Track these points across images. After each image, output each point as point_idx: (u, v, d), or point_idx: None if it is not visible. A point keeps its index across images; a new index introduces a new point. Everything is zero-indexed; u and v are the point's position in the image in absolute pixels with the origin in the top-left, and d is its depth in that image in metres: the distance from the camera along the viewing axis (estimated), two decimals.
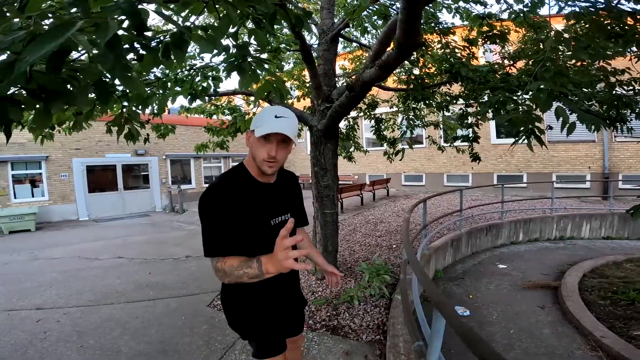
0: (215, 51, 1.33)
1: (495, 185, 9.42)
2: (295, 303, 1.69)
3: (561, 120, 1.93)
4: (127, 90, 2.16)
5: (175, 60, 1.22)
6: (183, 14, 1.33)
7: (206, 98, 4.30)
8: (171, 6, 1.34)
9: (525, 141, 2.18)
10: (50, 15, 0.89)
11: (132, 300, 4.07)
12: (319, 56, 4.32)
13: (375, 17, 3.95)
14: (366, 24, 3.68)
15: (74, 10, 0.89)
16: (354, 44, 6.99)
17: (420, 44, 2.28)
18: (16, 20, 0.92)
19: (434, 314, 1.43)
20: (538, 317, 3.88)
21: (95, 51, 0.98)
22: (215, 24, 1.27)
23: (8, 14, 0.92)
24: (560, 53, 2.49)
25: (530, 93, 2.06)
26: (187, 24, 1.27)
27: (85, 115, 2.79)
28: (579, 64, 3.28)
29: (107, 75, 1.07)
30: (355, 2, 4.74)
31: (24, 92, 1.05)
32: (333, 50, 4.48)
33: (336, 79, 4.83)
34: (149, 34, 1.15)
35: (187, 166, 14.79)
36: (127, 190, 12.77)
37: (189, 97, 3.27)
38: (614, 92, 2.97)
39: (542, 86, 1.97)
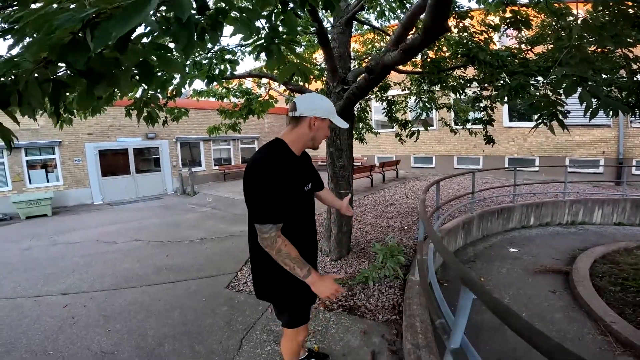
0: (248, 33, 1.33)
1: (506, 168, 9.34)
2: (315, 267, 1.91)
3: (584, 105, 1.91)
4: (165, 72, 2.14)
5: (210, 43, 1.23)
6: None
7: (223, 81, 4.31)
8: None
9: (545, 124, 2.17)
10: None
11: (153, 283, 4.19)
12: (333, 39, 4.27)
13: (393, 1, 3.87)
14: (384, 8, 3.59)
15: None
16: (365, 27, 6.87)
17: (447, 30, 2.25)
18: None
19: (462, 290, 1.46)
20: (549, 301, 3.93)
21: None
22: (249, 6, 1.27)
23: None
24: (585, 41, 2.43)
25: (553, 78, 2.03)
26: (221, 5, 1.27)
27: (105, 100, 2.82)
28: (599, 50, 3.20)
29: (148, 57, 1.09)
30: None
31: (69, 73, 1.08)
32: (348, 33, 4.42)
33: (351, 61, 4.78)
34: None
35: (197, 149, 14.89)
36: (139, 173, 12.93)
37: (206, 80, 3.28)
38: (634, 79, 2.91)
39: (565, 72, 1.93)
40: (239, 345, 2.76)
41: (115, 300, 3.73)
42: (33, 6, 1.03)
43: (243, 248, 5.32)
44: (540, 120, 2.15)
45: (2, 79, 0.99)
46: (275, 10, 1.45)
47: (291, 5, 1.44)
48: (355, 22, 4.90)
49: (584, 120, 10.56)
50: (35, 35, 0.91)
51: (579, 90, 1.98)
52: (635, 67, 3.15)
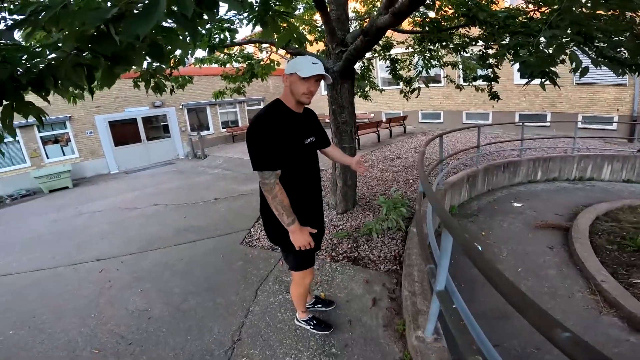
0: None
1: (516, 123, 9.20)
2: (321, 221, 2.15)
3: (575, 64, 1.96)
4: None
5: (209, 21, 1.34)
6: None
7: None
8: None
9: (542, 82, 2.23)
10: None
11: (174, 244, 4.53)
12: (330, 1, 4.19)
13: None
14: None
15: None
16: None
17: None
18: None
19: (443, 233, 1.63)
20: (546, 257, 4.02)
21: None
22: None
23: None
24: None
25: (544, 39, 2.06)
26: None
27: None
28: (609, 12, 3.09)
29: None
30: None
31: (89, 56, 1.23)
32: None
33: (349, 22, 4.70)
34: None
35: (204, 114, 15.01)
36: (150, 140, 13.19)
37: (207, 49, 3.33)
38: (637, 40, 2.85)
39: (553, 34, 1.96)
40: (255, 295, 3.07)
41: (143, 262, 4.07)
42: None
43: (254, 206, 5.58)
44: (530, 78, 2.21)
45: (40, 66, 1.15)
46: None
47: None
48: None
49: (598, 79, 10.18)
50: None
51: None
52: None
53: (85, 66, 1.17)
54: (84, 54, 1.14)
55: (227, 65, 6.00)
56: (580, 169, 7.45)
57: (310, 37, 6.95)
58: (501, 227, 4.92)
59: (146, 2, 0.90)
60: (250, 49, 6.91)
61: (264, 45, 6.21)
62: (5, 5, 1.62)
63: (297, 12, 6.65)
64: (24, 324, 3.01)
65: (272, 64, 5.14)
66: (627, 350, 2.58)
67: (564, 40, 1.94)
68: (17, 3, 1.46)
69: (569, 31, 2.08)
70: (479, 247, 4.23)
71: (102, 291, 3.48)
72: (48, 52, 1.18)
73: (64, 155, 11.27)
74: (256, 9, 1.62)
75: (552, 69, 2.12)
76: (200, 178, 8.99)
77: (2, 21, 1.26)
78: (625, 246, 4.12)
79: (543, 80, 2.24)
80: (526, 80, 2.42)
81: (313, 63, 1.68)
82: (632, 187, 6.92)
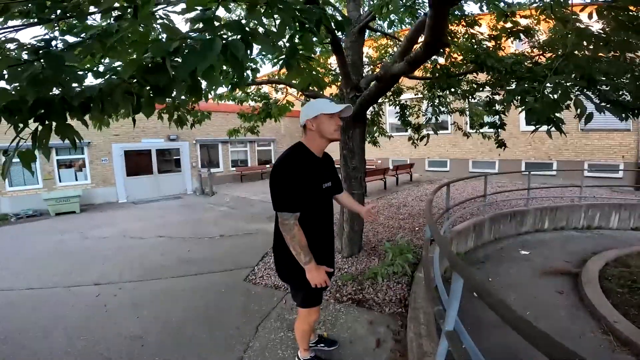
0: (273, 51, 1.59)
1: (522, 172, 9.31)
2: (333, 262, 2.17)
3: (579, 111, 2.07)
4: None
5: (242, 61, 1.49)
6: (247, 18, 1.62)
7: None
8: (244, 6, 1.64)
9: (548, 129, 2.34)
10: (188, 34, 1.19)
11: (177, 275, 4.51)
12: (347, 47, 4.49)
13: (401, 12, 4.08)
14: (394, 19, 3.80)
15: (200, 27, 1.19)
16: (378, 33, 7.06)
17: (446, 45, 2.47)
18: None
19: (453, 276, 1.65)
20: (556, 301, 3.99)
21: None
22: (274, 29, 1.52)
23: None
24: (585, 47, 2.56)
25: (549, 85, 2.19)
26: (249, 28, 1.52)
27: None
28: (610, 54, 3.29)
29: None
30: None
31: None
32: (360, 41, 4.64)
33: (363, 67, 4.99)
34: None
35: (215, 150, 15.39)
36: (161, 173, 13.49)
37: (230, 86, 3.56)
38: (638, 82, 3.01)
39: (561, 80, 2.09)
40: (255, 331, 3.01)
41: (143, 290, 4.04)
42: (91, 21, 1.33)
43: (259, 245, 5.60)
44: (538, 126, 2.31)
45: (94, 90, 1.28)
46: (294, 32, 1.69)
47: (308, 26, 1.68)
48: (367, 30, 5.10)
49: (603, 124, 10.41)
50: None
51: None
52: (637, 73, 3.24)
53: (136, 95, 1.30)
54: (133, 82, 1.27)
55: (244, 103, 6.28)
56: (587, 217, 7.43)
57: (325, 80, 7.34)
58: (509, 274, 4.85)
59: (202, 39, 1.04)
60: (265, 88, 7.28)
61: (280, 85, 6.54)
62: (58, 26, 1.80)
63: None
64: (7, 339, 2.99)
65: (287, 105, 5.39)
66: None
67: (568, 84, 2.06)
68: (77, 25, 1.64)
69: (572, 75, 2.21)
70: None
71: (97, 314, 3.46)
72: (102, 78, 1.32)
73: (77, 180, 11.55)
74: (284, 50, 1.78)
75: (558, 115, 2.23)
76: (207, 214, 9.07)
77: (53, 41, 1.40)
78: (637, 289, 4.15)
79: (549, 127, 2.34)
80: (533, 127, 2.53)
81: (331, 101, 1.83)
82: None
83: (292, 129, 18.41)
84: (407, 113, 7.22)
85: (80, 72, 1.49)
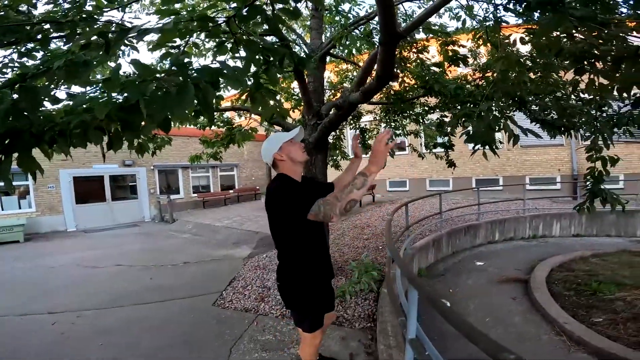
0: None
1: (473, 188, 10.03)
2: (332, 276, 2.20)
3: (508, 134, 2.40)
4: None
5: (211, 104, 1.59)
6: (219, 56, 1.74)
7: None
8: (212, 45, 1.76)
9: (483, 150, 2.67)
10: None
11: (142, 302, 4.34)
12: (308, 74, 4.73)
13: (358, 42, 4.42)
14: (352, 48, 4.13)
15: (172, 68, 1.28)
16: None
17: (396, 77, 2.77)
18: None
19: (409, 289, 1.82)
20: (510, 307, 4.30)
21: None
22: (240, 66, 1.65)
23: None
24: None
25: (483, 110, 2.52)
26: (217, 65, 1.64)
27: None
28: (538, 74, 3.77)
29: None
30: (342, 23, 5.18)
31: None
32: (321, 68, 4.92)
33: (324, 92, 5.27)
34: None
35: (175, 176, 14.92)
36: (115, 200, 12.83)
37: (194, 113, 3.59)
38: (559, 103, 3.50)
39: (491, 106, 2.43)
40: (229, 353, 2.98)
41: (105, 318, 3.87)
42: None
43: (226, 270, 5.52)
44: (475, 148, 2.64)
45: (62, 127, 1.32)
46: (260, 68, 1.83)
47: (272, 60, 1.84)
48: (329, 56, 5.42)
49: (539, 141, 11.56)
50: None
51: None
52: (559, 93, 3.76)
53: (105, 130, 1.36)
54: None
55: (207, 128, 6.23)
56: (532, 227, 8.14)
57: (287, 105, 7.54)
58: (467, 284, 5.17)
59: (177, 84, 1.14)
60: (228, 112, 7.29)
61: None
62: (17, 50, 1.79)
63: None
64: None
65: (251, 133, 5.39)
66: None
67: (502, 105, 2.37)
68: (36, 49, 1.65)
69: (502, 101, 2.54)
70: (447, 303, 4.40)
71: (53, 342, 3.30)
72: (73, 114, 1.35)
73: (20, 208, 10.77)
74: (249, 84, 1.91)
75: (494, 137, 2.55)
76: (169, 241, 8.77)
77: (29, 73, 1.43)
78: (583, 291, 4.54)
79: (484, 149, 2.68)
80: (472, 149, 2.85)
81: (283, 132, 1.98)
82: (582, 241, 7.62)
83: (256, 154, 18.37)
84: (367, 136, 7.58)
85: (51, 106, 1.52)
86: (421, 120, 6.42)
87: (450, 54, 4.24)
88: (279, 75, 7.04)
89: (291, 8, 1.86)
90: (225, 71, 1.42)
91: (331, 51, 5.11)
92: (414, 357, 1.89)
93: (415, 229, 6.80)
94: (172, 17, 1.53)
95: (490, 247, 7.38)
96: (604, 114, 3.81)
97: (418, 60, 5.17)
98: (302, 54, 6.34)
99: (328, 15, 5.07)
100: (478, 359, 1.28)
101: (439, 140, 6.60)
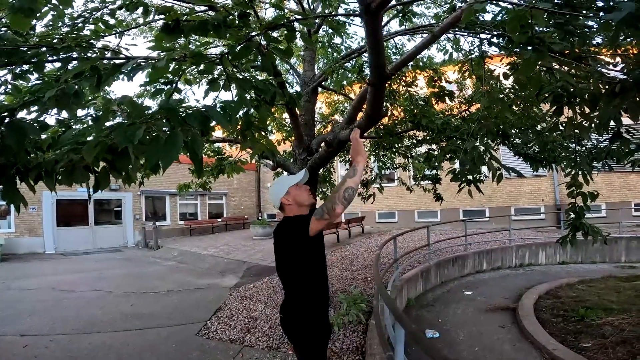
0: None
1: (460, 220, 10.18)
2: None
3: (491, 172, 2.53)
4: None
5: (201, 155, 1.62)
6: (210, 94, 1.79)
7: None
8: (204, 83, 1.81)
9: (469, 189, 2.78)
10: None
11: (120, 329, 4.19)
12: (300, 107, 4.86)
13: (350, 75, 4.59)
14: (343, 82, 4.29)
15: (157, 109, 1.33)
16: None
17: (384, 116, 2.90)
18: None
19: (395, 325, 1.84)
20: (499, 335, 4.30)
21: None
22: (232, 104, 1.71)
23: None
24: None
25: (466, 147, 2.64)
26: (209, 102, 1.71)
27: None
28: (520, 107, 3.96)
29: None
30: (335, 55, 5.39)
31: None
32: (313, 100, 5.07)
33: (315, 125, 5.40)
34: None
35: (162, 202, 14.73)
36: (98, 225, 12.54)
37: (184, 144, 3.63)
38: (540, 137, 3.68)
39: (475, 144, 2.55)
40: None
41: (81, 343, 3.72)
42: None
43: (211, 300, 5.38)
44: (461, 186, 2.74)
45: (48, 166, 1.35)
46: (250, 107, 1.90)
47: (263, 97, 1.92)
48: (320, 88, 5.59)
49: (523, 171, 11.96)
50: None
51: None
52: (539, 127, 3.95)
53: (92, 170, 1.39)
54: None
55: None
56: (519, 257, 8.26)
57: (278, 136, 7.67)
58: (456, 314, 5.15)
59: (166, 133, 1.18)
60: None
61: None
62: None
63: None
64: None
65: (241, 164, 5.38)
66: None
67: (486, 142, 2.49)
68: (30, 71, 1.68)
69: (485, 139, 2.67)
70: (437, 334, 4.35)
71: None
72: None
73: None
74: (239, 122, 1.96)
75: (480, 171, 2.66)
76: (152, 268, 8.54)
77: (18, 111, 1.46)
78: (570, 317, 4.58)
79: (469, 187, 2.78)
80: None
81: (288, 175, 2.00)
82: (568, 268, 7.75)
83: (245, 183, 18.36)
84: None
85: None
86: (409, 154, 6.59)
87: (436, 89, 4.44)
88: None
89: (284, 48, 1.97)
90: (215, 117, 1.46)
91: (323, 83, 5.31)
92: None
93: (404, 260, 6.79)
94: (165, 53, 1.57)
95: (478, 276, 7.40)
96: (584, 148, 4.00)
97: (407, 94, 5.38)
98: (295, 85, 6.56)
99: (321, 47, 5.28)
100: None
101: (427, 173, 6.77)
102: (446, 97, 4.50)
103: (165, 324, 4.36)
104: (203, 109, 1.39)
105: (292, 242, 1.84)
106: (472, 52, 3.94)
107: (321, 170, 7.21)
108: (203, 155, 5.80)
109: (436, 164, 3.24)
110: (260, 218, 17.57)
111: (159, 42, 1.72)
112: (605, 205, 11.12)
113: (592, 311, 4.59)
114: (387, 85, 5.30)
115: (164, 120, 1.28)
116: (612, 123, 1.74)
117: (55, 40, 1.82)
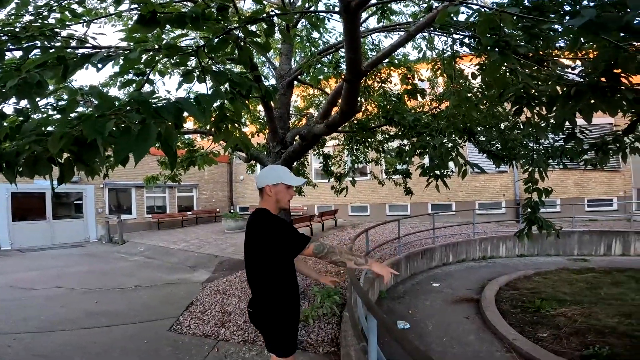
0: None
1: (429, 214, 10.56)
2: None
3: (457, 168, 2.68)
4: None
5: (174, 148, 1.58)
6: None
7: None
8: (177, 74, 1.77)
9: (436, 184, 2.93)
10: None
11: (85, 327, 4.03)
12: (275, 100, 4.83)
13: (326, 70, 4.61)
14: (319, 77, 4.31)
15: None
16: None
17: (358, 111, 2.97)
18: None
19: (368, 317, 1.92)
20: (464, 326, 4.54)
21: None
22: (207, 97, 1.67)
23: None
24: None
25: (435, 144, 2.77)
26: (182, 94, 1.67)
27: None
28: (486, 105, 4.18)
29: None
30: (313, 50, 5.38)
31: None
32: (289, 93, 5.05)
33: (290, 118, 5.38)
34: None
35: (127, 195, 14.08)
36: (57, 219, 11.85)
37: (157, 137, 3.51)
38: (502, 136, 3.91)
39: (443, 141, 2.68)
40: None
41: (45, 342, 3.57)
42: None
43: (182, 295, 5.27)
44: (429, 181, 2.88)
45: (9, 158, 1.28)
46: (225, 100, 1.87)
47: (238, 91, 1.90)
48: (296, 82, 5.57)
49: (485, 168, 12.60)
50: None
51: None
52: (502, 125, 4.19)
53: (56, 161, 1.33)
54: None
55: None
56: (481, 249, 8.73)
57: (252, 128, 7.56)
58: (425, 305, 5.38)
59: (139, 125, 1.13)
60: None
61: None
62: None
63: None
64: None
65: (212, 158, 5.27)
66: None
67: (453, 139, 2.62)
68: None
69: (453, 136, 2.81)
70: (407, 325, 4.54)
71: None
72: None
73: None
74: (214, 116, 1.91)
75: (448, 166, 2.81)
76: (118, 264, 8.20)
77: None
78: (528, 308, 4.90)
79: (436, 181, 2.93)
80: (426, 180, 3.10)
81: (290, 173, 2.01)
82: (526, 260, 8.30)
83: (217, 175, 17.94)
84: (330, 163, 7.75)
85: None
86: (382, 149, 6.73)
87: (409, 87, 4.57)
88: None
89: (262, 42, 1.96)
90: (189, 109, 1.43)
91: (299, 77, 5.28)
92: None
93: (375, 253, 6.97)
94: (137, 44, 1.52)
95: (444, 268, 7.76)
96: (541, 147, 4.29)
97: (381, 91, 5.48)
98: (271, 78, 6.49)
99: (299, 42, 5.26)
100: None
101: (398, 167, 6.95)
102: (418, 95, 4.64)
103: (134, 321, 4.24)
104: (177, 101, 1.34)
105: (265, 236, 1.84)
106: (444, 51, 4.10)
107: (295, 163, 7.25)
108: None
109: (407, 159, 3.35)
110: (232, 211, 17.27)
111: (133, 34, 1.66)
112: (560, 201, 11.96)
113: (547, 302, 4.93)
114: (362, 81, 5.41)
115: (135, 112, 1.22)
116: (567, 124, 1.86)
117: (17, 29, 1.71)
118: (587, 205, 12.06)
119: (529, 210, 3.61)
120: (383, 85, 5.56)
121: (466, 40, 3.24)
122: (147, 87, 1.89)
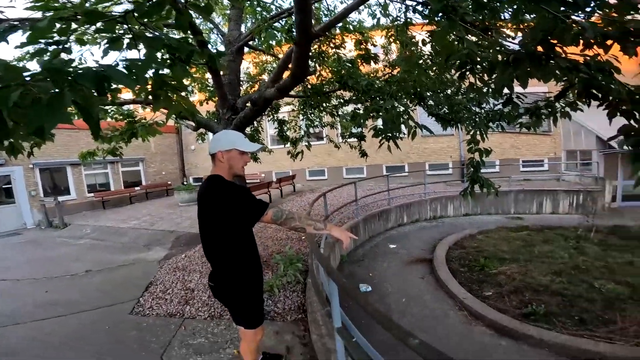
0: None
1: (383, 175, 10.94)
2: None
3: (408, 130, 2.77)
4: None
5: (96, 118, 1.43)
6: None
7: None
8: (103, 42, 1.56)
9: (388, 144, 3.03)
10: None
11: (39, 318, 3.77)
12: (224, 66, 4.53)
13: (278, 35, 4.38)
14: (271, 42, 4.07)
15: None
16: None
17: (310, 75, 2.92)
18: None
19: (329, 281, 1.98)
20: (420, 286, 4.82)
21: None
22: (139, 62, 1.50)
23: None
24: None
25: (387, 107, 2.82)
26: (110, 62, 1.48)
27: None
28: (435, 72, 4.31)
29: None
30: (264, 14, 5.06)
31: None
32: (238, 60, 4.75)
33: (241, 84, 5.11)
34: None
35: (62, 175, 12.82)
36: None
37: (75, 105, 3.13)
38: (449, 100, 4.09)
39: (394, 104, 2.73)
40: None
41: (5, 339, 3.33)
42: None
43: (139, 275, 5.08)
44: (381, 142, 2.96)
45: None
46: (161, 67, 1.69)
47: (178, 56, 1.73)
48: (247, 49, 5.25)
49: (435, 130, 13.26)
50: None
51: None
52: (449, 91, 4.37)
53: None
54: None
55: (101, 120, 5.43)
56: (432, 209, 9.29)
57: (201, 97, 7.10)
58: (383, 267, 5.67)
59: (50, 93, 1.02)
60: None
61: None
62: None
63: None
64: None
65: (156, 126, 4.87)
66: (501, 354, 3.24)
67: (404, 102, 2.68)
68: None
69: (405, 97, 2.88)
70: (369, 287, 4.78)
71: None
72: None
73: None
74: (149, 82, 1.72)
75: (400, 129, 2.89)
76: (62, 250, 7.60)
77: None
78: (474, 267, 5.28)
79: (388, 143, 3.01)
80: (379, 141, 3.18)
81: (245, 138, 1.93)
82: (470, 220, 8.98)
83: (165, 147, 16.91)
84: (285, 128, 7.61)
85: None
86: (336, 113, 6.71)
87: (363, 52, 4.52)
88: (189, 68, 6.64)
89: (202, 4, 1.78)
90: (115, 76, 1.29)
91: (250, 43, 4.97)
92: (343, 345, 2.04)
93: (334, 217, 7.13)
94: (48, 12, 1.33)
95: (400, 229, 8.18)
96: (482, 111, 4.56)
97: (335, 56, 5.37)
98: (219, 44, 6.05)
99: (249, 6, 4.89)
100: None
101: (354, 130, 7.01)
102: (371, 60, 4.61)
103: (91, 307, 4.03)
104: (100, 68, 1.22)
105: (221, 204, 1.78)
106: (398, 18, 4.08)
107: (249, 129, 7.02)
108: (112, 119, 5.19)
109: (361, 121, 3.41)
110: (185, 183, 16.58)
111: (46, 1, 1.44)
112: (498, 162, 12.96)
113: (490, 261, 5.34)
114: (316, 46, 5.24)
115: (48, 82, 1.11)
116: (506, 90, 1.96)
117: None
118: (522, 166, 13.24)
119: (472, 169, 3.86)
120: (337, 50, 5.44)
121: (419, 7, 3.23)
122: (64, 57, 1.66)
